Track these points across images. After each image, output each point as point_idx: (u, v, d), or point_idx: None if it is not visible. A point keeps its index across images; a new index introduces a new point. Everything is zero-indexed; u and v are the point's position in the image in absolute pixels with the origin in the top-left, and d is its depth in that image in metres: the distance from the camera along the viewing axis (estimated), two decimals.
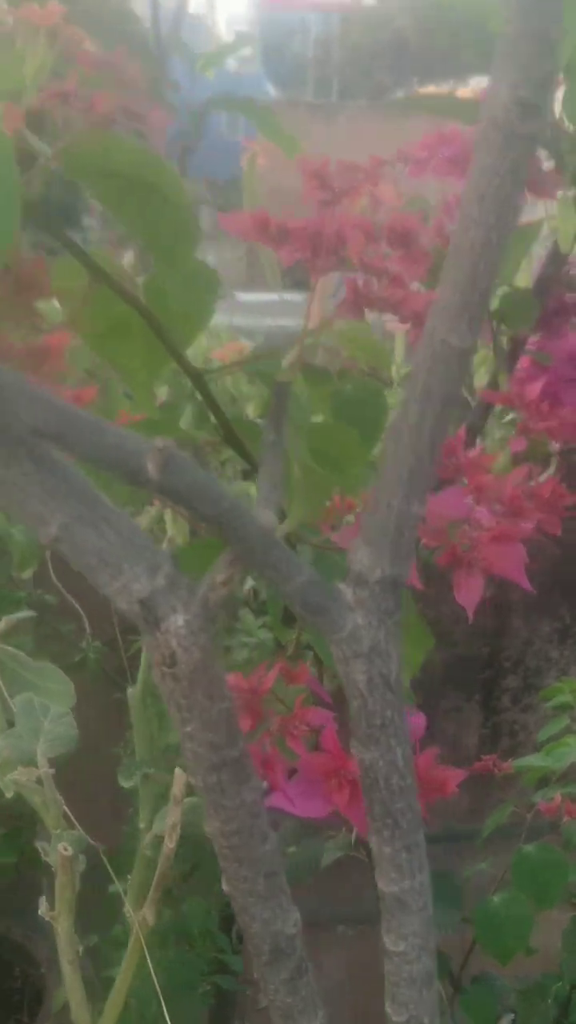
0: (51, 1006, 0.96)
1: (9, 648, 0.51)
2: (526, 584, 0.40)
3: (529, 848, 0.84)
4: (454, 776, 0.46)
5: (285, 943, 0.33)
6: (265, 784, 0.45)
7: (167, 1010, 0.91)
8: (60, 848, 0.47)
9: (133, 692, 0.58)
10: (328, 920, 1.43)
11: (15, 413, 0.24)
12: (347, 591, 0.29)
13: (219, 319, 1.48)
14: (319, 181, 0.48)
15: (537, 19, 0.26)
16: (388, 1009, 0.34)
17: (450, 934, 0.83)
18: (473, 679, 1.52)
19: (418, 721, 0.51)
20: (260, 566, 0.28)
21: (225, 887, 0.33)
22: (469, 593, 0.38)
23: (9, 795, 0.45)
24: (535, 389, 0.58)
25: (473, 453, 0.49)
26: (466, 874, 0.87)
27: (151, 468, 0.25)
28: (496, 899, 0.82)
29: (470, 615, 0.39)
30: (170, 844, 0.49)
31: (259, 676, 0.47)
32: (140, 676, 0.60)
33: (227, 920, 0.95)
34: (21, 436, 0.25)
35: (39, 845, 0.49)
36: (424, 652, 0.53)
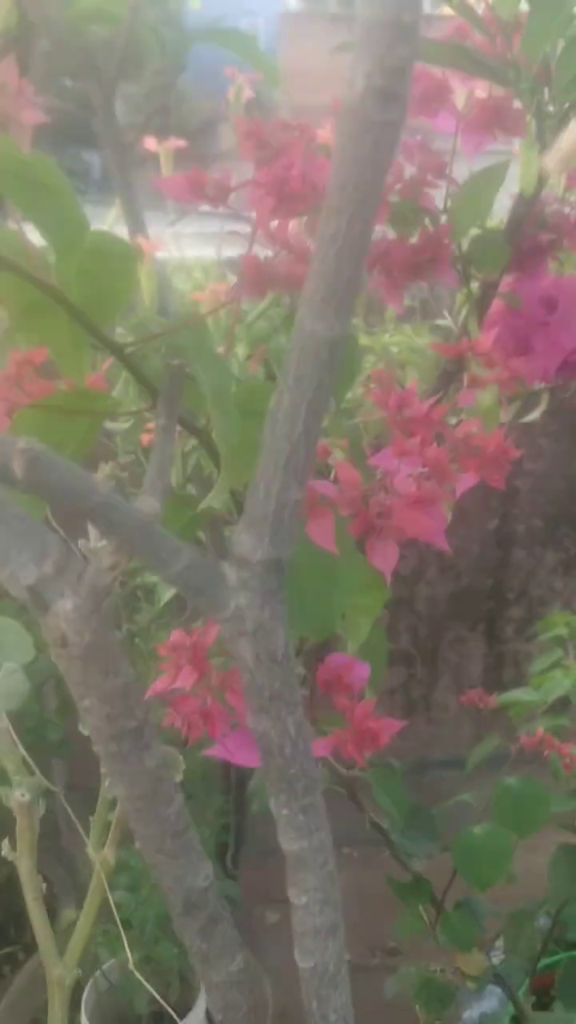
0: (58, 924, 1.02)
1: None
2: (445, 546, 0.41)
3: (511, 780, 0.86)
4: (388, 727, 0.47)
5: (197, 896, 0.35)
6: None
7: (167, 934, 0.95)
8: (17, 795, 0.49)
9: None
10: (333, 842, 1.48)
11: None
12: (231, 573, 0.30)
13: (210, 253, 1.46)
14: (255, 140, 0.48)
15: (391, 4, 0.26)
16: (296, 956, 0.36)
17: (428, 862, 0.86)
18: (477, 610, 1.53)
19: (361, 672, 0.52)
20: (139, 554, 0.29)
21: (137, 845, 0.35)
22: (384, 559, 0.39)
23: None
24: (487, 341, 0.57)
25: (419, 407, 0.49)
26: (448, 804, 0.89)
27: (17, 468, 0.26)
28: (477, 829, 0.84)
29: (386, 580, 0.40)
30: None
31: (203, 630, 0.48)
32: None
33: (221, 848, 0.99)
34: None
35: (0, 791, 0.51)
36: (382, 602, 0.54)
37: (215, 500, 0.47)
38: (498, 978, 0.92)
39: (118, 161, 1.09)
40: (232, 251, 1.42)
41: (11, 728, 0.51)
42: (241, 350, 1.10)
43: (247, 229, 0.47)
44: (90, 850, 0.53)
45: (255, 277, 0.36)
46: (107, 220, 1.32)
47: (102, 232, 0.37)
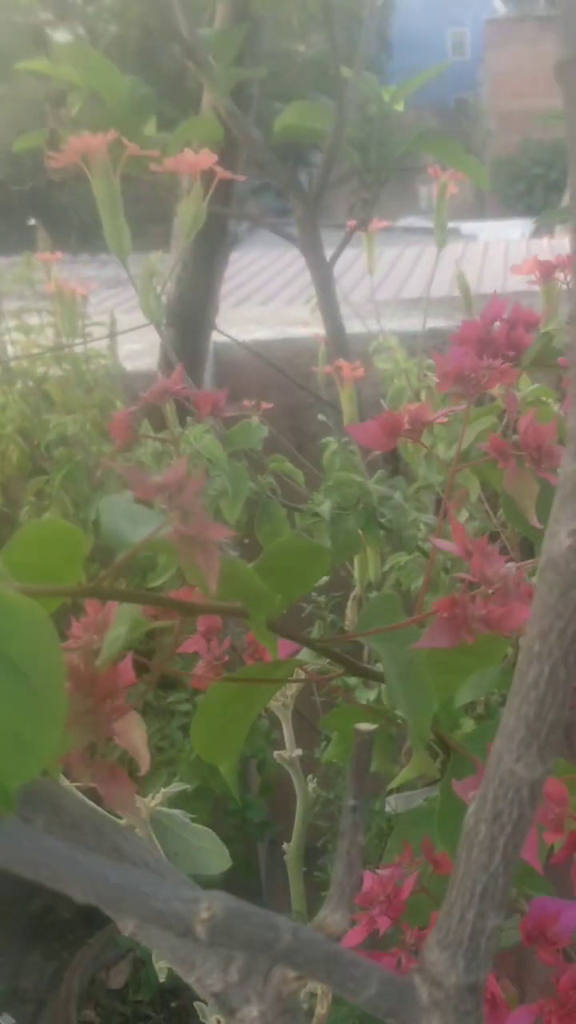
0: None
1: (167, 810, 0.54)
2: None
3: None
4: None
5: None
6: None
7: None
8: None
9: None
10: None
11: (69, 889, 0.25)
12: (423, 991, 0.29)
13: (414, 323, 1.43)
14: (453, 378, 0.46)
15: None
16: None
17: None
18: None
19: (569, 919, 0.49)
20: (329, 982, 0.28)
21: None
22: None
23: (162, 979, 0.49)
24: None
25: None
26: None
27: (200, 933, 0.25)
28: None
29: None
30: (321, 1010, 0.51)
31: (398, 875, 0.47)
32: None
33: None
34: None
35: (197, 1006, 0.52)
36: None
37: (415, 771, 0.45)
38: None
39: (320, 276, 1.08)
40: (437, 322, 1.38)
41: None
42: (441, 450, 1.07)
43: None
44: None
45: (450, 621, 0.33)
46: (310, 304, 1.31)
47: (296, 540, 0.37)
